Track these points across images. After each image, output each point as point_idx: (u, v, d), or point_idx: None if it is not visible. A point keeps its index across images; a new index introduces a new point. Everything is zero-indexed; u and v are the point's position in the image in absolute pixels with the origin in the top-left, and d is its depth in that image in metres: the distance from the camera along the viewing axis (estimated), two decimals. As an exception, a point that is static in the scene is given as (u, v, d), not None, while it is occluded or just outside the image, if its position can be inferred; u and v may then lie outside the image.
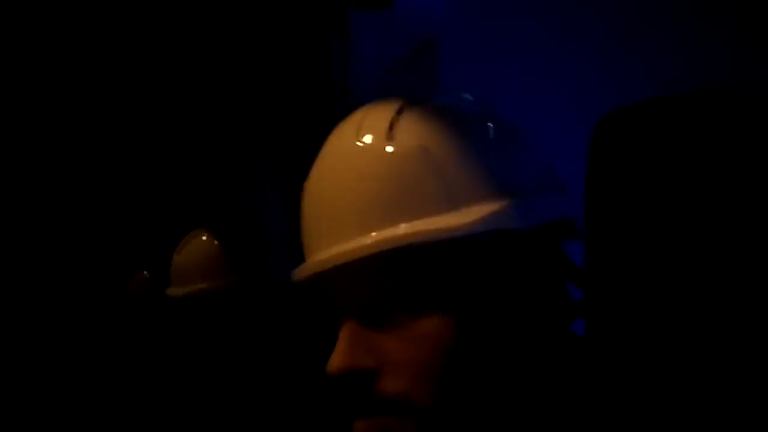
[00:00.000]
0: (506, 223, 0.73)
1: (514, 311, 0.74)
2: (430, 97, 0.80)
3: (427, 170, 0.73)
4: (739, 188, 0.93)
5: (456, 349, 0.72)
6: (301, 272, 0.76)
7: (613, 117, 1.04)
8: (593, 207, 1.05)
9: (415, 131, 0.75)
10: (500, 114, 0.81)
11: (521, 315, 0.75)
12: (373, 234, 0.72)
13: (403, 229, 0.71)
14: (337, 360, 0.72)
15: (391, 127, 0.75)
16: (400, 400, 0.71)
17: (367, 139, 0.75)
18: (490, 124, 0.78)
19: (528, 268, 0.75)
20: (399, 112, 0.76)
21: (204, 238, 1.70)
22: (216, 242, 1.68)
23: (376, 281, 0.73)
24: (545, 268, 0.76)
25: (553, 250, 0.77)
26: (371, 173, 0.74)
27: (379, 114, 0.77)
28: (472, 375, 0.72)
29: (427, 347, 0.71)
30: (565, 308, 0.79)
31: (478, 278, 0.73)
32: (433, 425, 0.72)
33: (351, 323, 0.74)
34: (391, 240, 0.71)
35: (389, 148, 0.74)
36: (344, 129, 0.78)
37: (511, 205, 0.73)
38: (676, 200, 0.94)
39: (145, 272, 2.34)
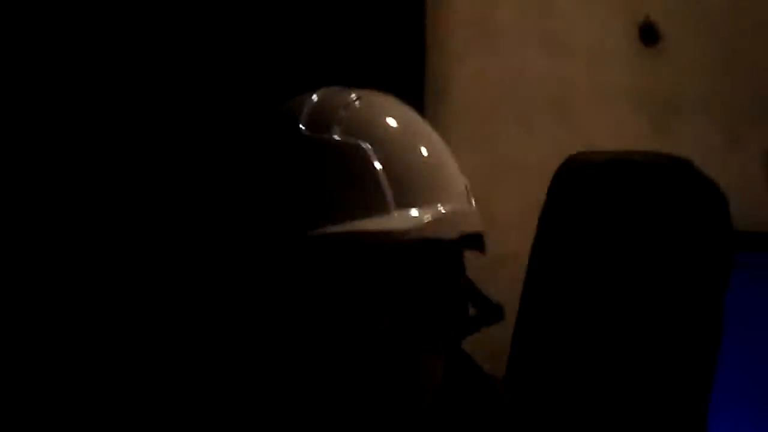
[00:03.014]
0: (439, 231, 0.73)
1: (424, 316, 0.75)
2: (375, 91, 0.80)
3: (365, 168, 0.72)
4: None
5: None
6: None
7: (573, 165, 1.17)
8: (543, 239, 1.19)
9: (362, 126, 0.75)
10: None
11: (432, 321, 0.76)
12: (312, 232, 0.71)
13: (335, 230, 0.71)
14: None
15: (340, 120, 0.74)
16: None
17: (313, 129, 0.74)
18: (431, 131, 0.80)
19: (443, 275, 0.76)
20: (348, 106, 0.75)
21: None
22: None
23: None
24: (454, 277, 0.77)
25: (459, 263, 0.79)
26: (314, 167, 0.73)
27: (330, 104, 0.76)
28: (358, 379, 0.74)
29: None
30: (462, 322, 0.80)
31: (394, 283, 0.73)
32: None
33: None
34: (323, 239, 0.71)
35: (334, 142, 0.73)
36: (290, 116, 0.76)
37: (446, 212, 0.74)
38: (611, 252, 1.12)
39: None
